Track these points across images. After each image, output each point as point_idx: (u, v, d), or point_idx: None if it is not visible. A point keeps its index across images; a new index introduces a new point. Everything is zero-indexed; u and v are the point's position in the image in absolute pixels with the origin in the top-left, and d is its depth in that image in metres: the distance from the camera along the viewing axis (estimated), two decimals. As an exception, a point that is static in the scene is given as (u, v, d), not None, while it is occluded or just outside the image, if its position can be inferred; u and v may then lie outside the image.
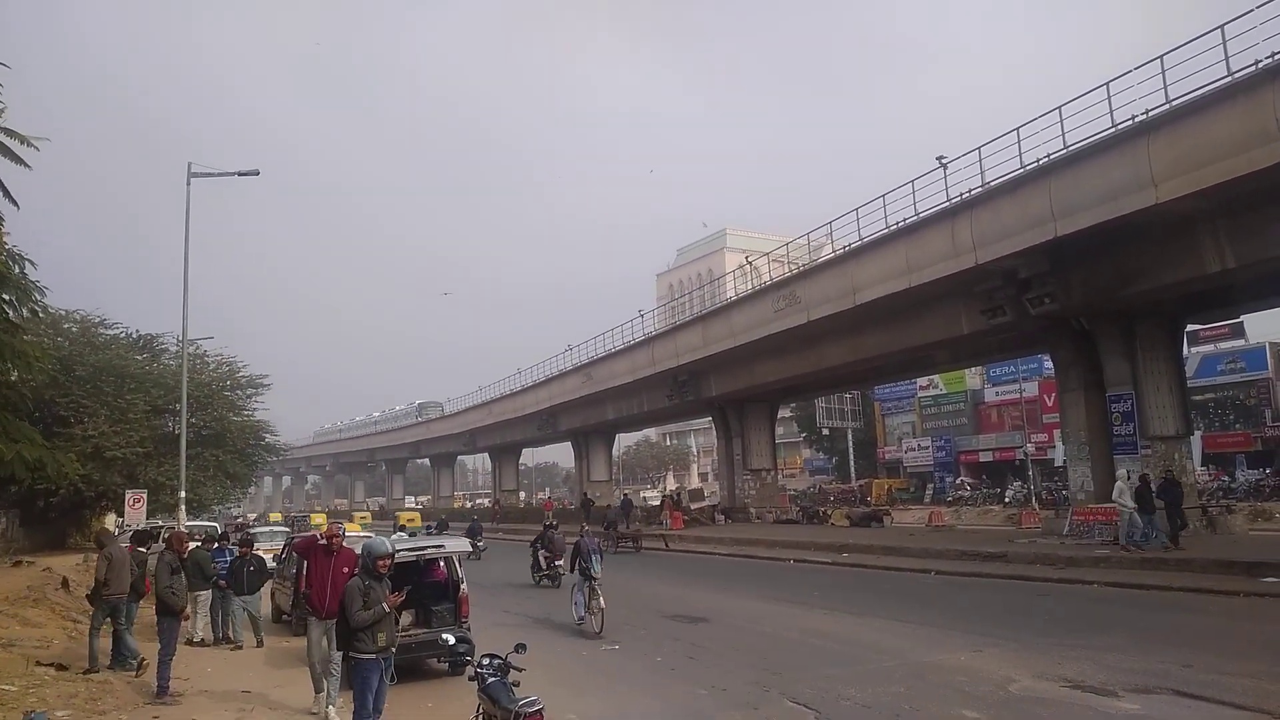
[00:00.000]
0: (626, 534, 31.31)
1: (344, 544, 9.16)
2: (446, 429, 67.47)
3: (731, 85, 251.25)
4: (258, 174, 20.13)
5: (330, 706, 8.74)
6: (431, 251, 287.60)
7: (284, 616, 15.37)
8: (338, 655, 8.78)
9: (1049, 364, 36.90)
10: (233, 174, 20.13)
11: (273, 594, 16.21)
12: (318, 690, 8.84)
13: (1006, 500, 40.46)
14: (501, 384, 57.21)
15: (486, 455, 73.45)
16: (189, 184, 19.62)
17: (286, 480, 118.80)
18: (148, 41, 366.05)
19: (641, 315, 40.06)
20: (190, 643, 12.91)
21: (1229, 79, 15.28)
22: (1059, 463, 37.78)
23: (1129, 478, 19.82)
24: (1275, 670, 9.21)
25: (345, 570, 8.84)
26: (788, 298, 28.01)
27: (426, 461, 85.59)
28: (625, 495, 44.64)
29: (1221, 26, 15.47)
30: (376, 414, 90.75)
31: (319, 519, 53.10)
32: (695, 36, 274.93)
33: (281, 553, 17.44)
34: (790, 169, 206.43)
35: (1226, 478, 35.12)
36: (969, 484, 46.92)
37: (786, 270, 30.54)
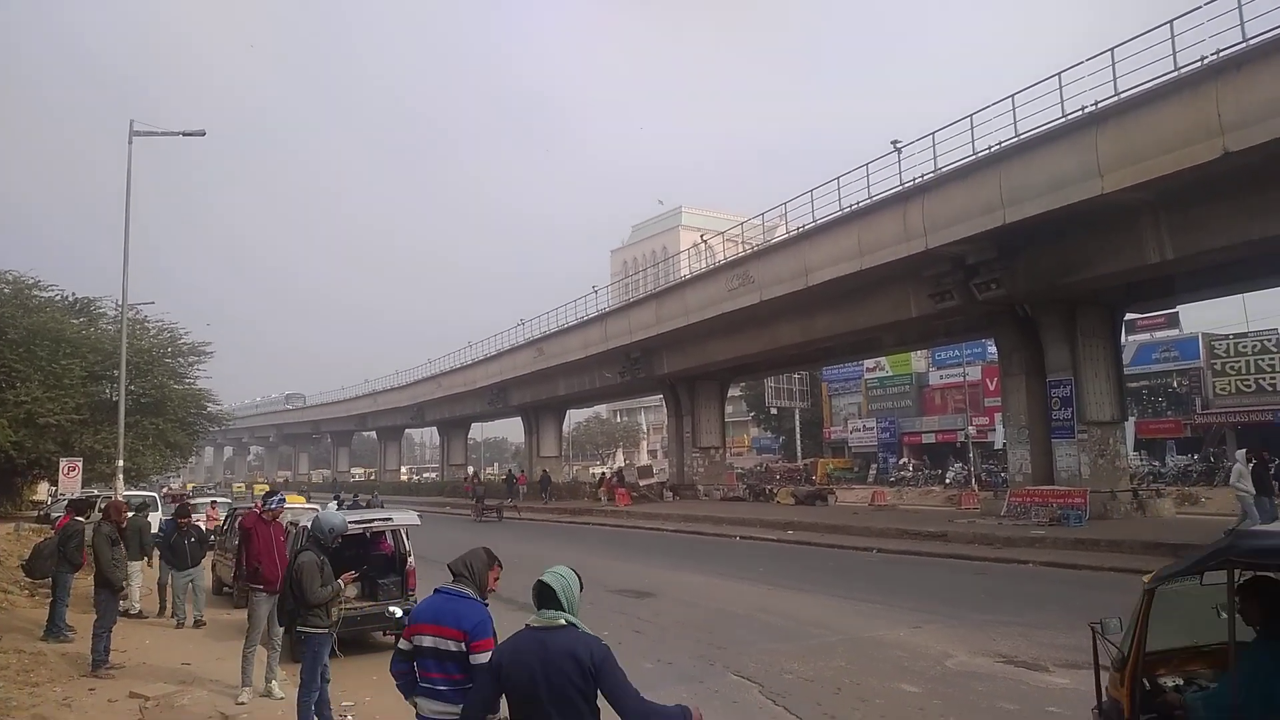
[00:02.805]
0: (491, 506, 36.91)
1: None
2: (394, 401, 66.66)
3: (700, 64, 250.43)
4: (203, 134, 19.49)
5: (274, 681, 8.63)
6: (395, 230, 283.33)
7: (224, 589, 15.13)
8: (279, 629, 8.73)
9: (992, 349, 37.70)
10: (177, 134, 19.50)
11: (214, 566, 15.94)
12: (247, 682, 8.62)
13: (947, 481, 41.39)
14: (452, 357, 56.74)
15: (435, 429, 72.78)
16: (130, 143, 18.96)
17: (229, 451, 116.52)
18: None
19: (595, 291, 39.98)
20: (128, 614, 12.63)
21: (1175, 74, 15.63)
22: (999, 445, 38.71)
23: (1246, 460, 17.00)
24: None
25: (281, 540, 8.87)
26: (741, 277, 28.14)
27: (373, 434, 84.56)
28: (545, 472, 47.03)
29: (1170, 22, 15.81)
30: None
31: (240, 488, 52.49)
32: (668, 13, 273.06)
33: (223, 524, 17.13)
34: (751, 150, 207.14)
35: (1157, 463, 36.36)
36: (911, 465, 47.87)
37: (741, 250, 30.68)
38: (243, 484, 70.22)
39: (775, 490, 37.44)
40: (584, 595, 5.35)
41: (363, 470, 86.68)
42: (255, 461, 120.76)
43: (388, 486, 68.58)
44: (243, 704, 8.32)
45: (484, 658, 3.73)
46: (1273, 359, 36.23)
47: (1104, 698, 4.62)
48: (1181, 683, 4.26)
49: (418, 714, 3.98)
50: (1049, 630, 10.43)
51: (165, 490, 32.30)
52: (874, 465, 50.55)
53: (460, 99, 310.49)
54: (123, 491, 19.33)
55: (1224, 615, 3.76)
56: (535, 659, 3.26)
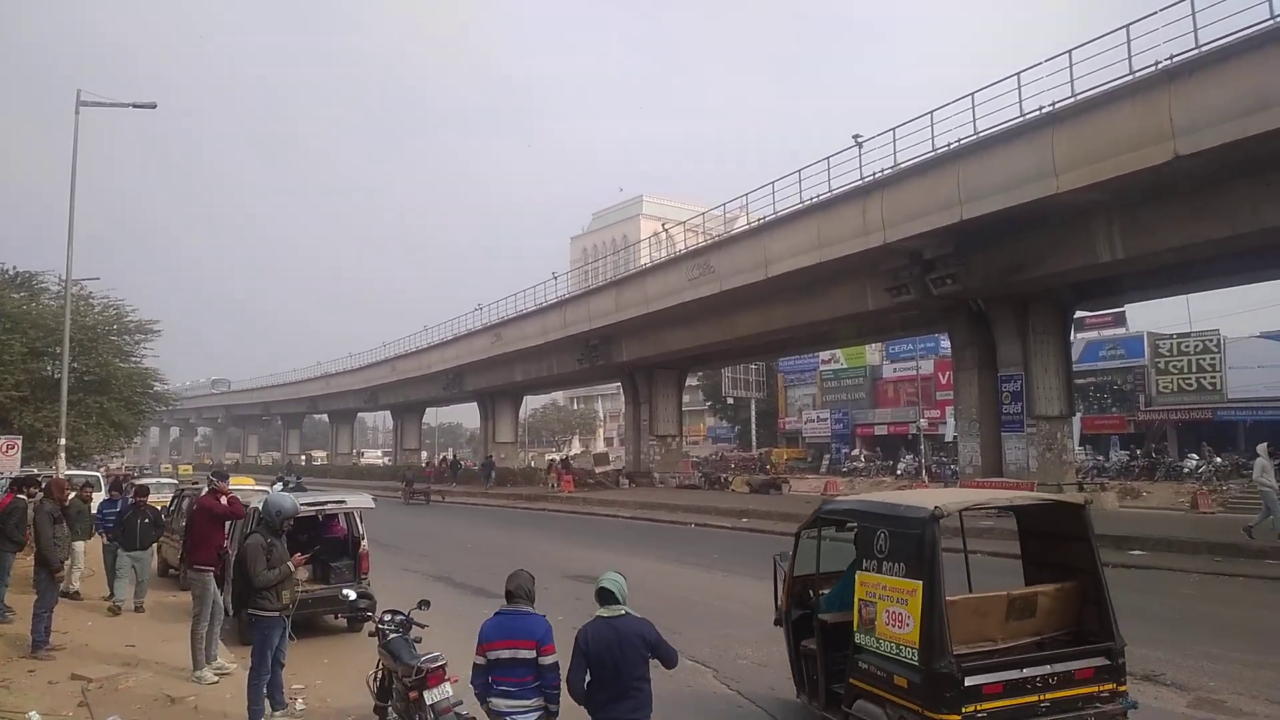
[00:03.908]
0: (418, 489, 39.31)
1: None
2: (347, 384, 65.69)
3: (668, 55, 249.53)
4: (154, 107, 18.92)
5: (212, 663, 8.50)
6: (367, 199, 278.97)
7: (170, 570, 14.82)
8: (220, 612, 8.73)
9: (945, 344, 38.34)
10: (126, 105, 18.87)
11: (159, 547, 15.61)
12: (200, 665, 8.49)
13: (899, 473, 42.01)
14: (407, 341, 56.01)
15: (389, 413, 71.92)
16: (77, 113, 18.33)
17: (175, 431, 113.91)
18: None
19: (555, 278, 39.78)
20: (66, 595, 12.30)
21: (1130, 78, 15.97)
22: (949, 438, 39.47)
23: (1270, 454, 16.71)
24: (1143, 635, 9.86)
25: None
26: (701, 267, 28.19)
27: (325, 417, 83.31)
28: (489, 457, 48.41)
29: (1127, 26, 16.15)
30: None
31: (166, 469, 51.49)
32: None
33: (170, 504, 16.77)
34: (713, 142, 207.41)
35: (1101, 457, 37.31)
36: (864, 456, 48.51)
37: (701, 240, 30.72)
38: (169, 465, 68.56)
39: (730, 479, 37.70)
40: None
41: (323, 454, 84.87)
42: (203, 443, 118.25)
43: (339, 470, 67.73)
44: (212, 681, 8.25)
45: (552, 659, 4.98)
46: (1213, 359, 37.36)
47: (777, 605, 7.70)
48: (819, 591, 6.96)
49: (490, 710, 5.01)
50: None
51: (105, 470, 31.39)
52: (827, 456, 51.13)
53: (434, 77, 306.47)
54: (64, 471, 18.77)
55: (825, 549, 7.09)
56: (613, 638, 4.79)
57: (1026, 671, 5.41)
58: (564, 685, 4.95)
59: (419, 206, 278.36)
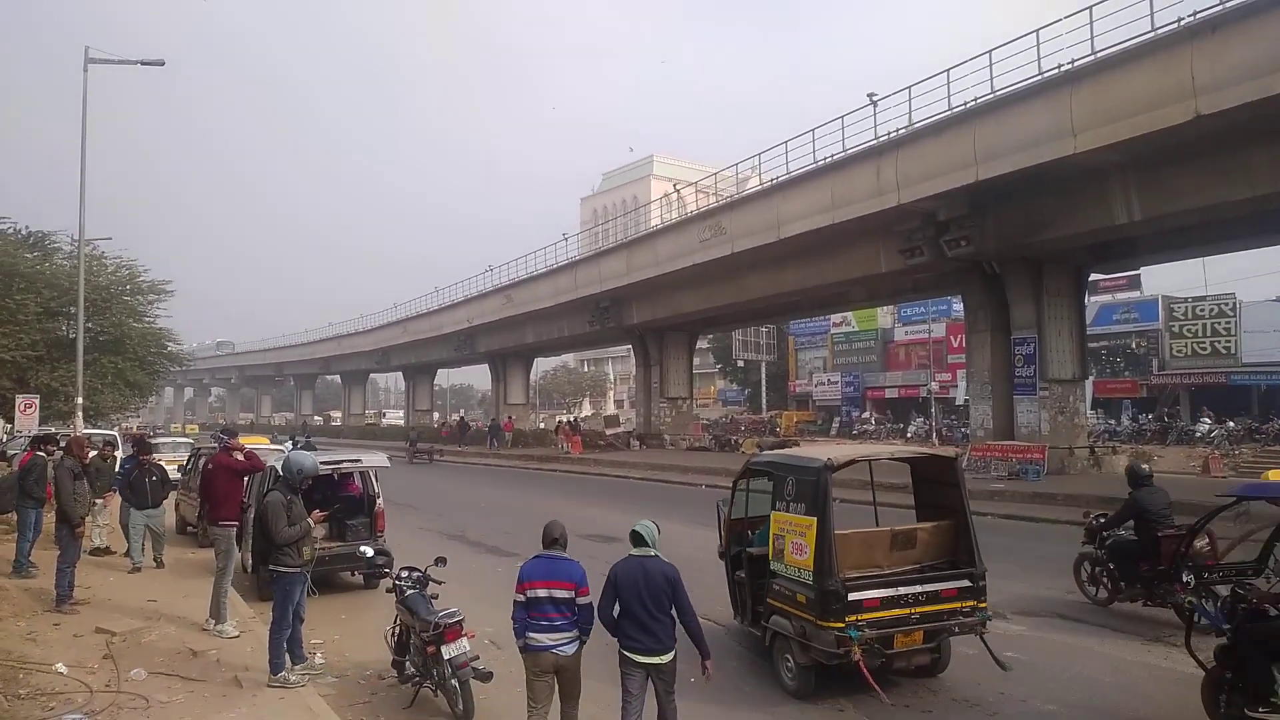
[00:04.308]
0: (421, 449, 40.73)
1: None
2: (359, 345, 65.93)
3: (681, 13, 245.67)
4: (163, 64, 18.79)
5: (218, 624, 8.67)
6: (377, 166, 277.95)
7: (189, 528, 15.05)
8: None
9: (957, 306, 38.18)
10: (135, 62, 18.76)
11: (177, 505, 15.83)
12: (222, 619, 8.66)
13: (909, 435, 42.06)
14: (418, 302, 56.10)
15: (400, 375, 72.23)
16: (86, 70, 18.23)
17: (189, 392, 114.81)
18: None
19: (566, 239, 39.63)
20: (94, 551, 12.52)
21: (1152, 35, 15.64)
22: (960, 401, 39.42)
23: None
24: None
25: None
26: (713, 228, 28.02)
27: (337, 378, 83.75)
28: (494, 419, 50.23)
29: (1150, -19, 15.78)
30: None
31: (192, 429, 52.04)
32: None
33: (186, 463, 16.98)
34: (725, 102, 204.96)
35: (1114, 421, 37.26)
36: (874, 418, 48.55)
37: (712, 201, 30.49)
38: (179, 425, 69.10)
39: (740, 441, 37.82)
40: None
41: (340, 414, 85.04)
42: (217, 403, 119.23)
43: (352, 430, 68.28)
44: (234, 635, 8.42)
45: (588, 599, 5.48)
46: (1228, 323, 37.07)
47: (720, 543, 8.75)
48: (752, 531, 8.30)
49: (528, 645, 5.46)
50: (1006, 580, 10.66)
51: (122, 429, 31.72)
52: (837, 418, 51.18)
53: (441, 42, 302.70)
54: (83, 429, 18.98)
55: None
56: (640, 575, 5.37)
57: (901, 590, 6.82)
58: (595, 616, 5.52)
59: (430, 170, 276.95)
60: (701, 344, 50.08)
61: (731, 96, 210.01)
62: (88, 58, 18.18)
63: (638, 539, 5.53)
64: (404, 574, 7.36)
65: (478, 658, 6.63)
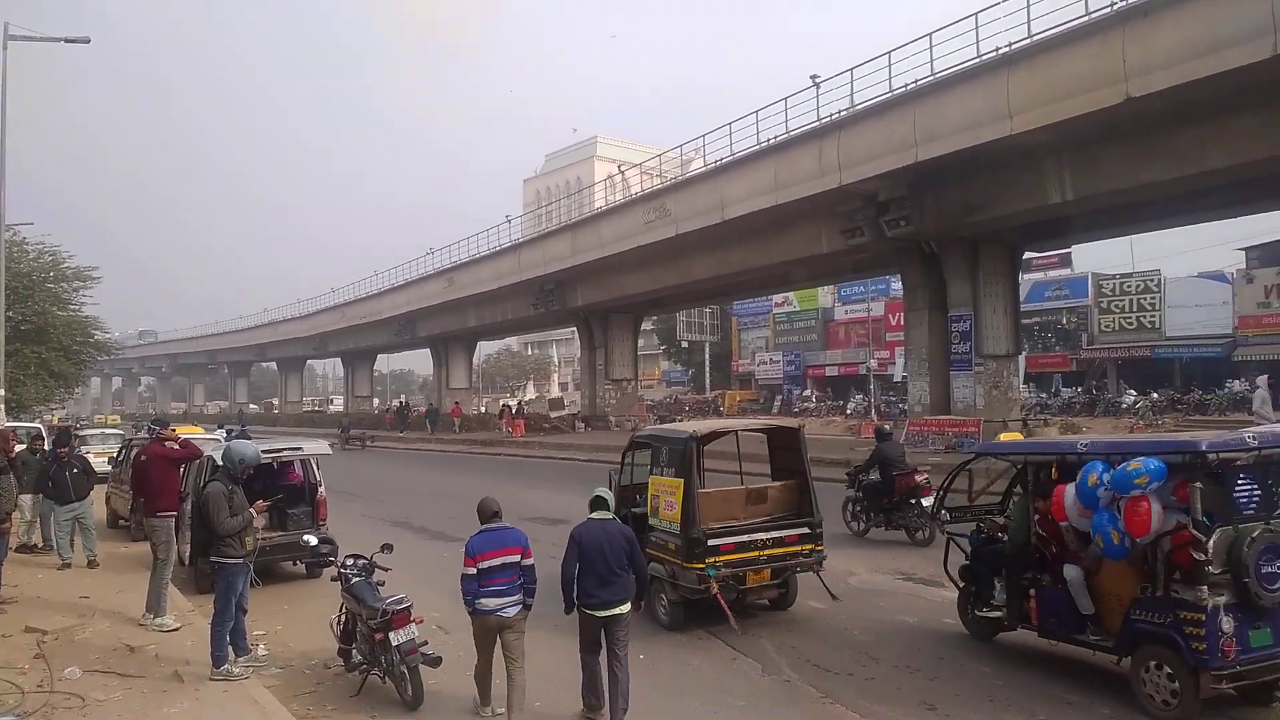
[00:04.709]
0: (354, 436, 40.74)
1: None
2: (295, 331, 64.44)
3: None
4: (88, 41, 17.92)
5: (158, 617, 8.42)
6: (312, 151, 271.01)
7: (121, 522, 14.58)
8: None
9: (896, 285, 38.78)
10: (58, 39, 17.89)
11: (108, 498, 15.32)
12: (162, 612, 8.41)
13: (848, 412, 42.69)
14: (356, 286, 54.98)
15: (339, 361, 70.89)
16: (5, 48, 17.30)
17: (117, 381, 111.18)
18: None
19: (509, 221, 39.21)
20: (21, 548, 12.02)
21: (1086, 18, 15.99)
22: (898, 378, 40.14)
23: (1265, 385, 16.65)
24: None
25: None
26: (658, 210, 27.97)
27: (273, 365, 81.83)
28: (431, 404, 51.15)
29: (1084, -35, 16.11)
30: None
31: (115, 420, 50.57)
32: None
33: (118, 455, 16.42)
34: (669, 85, 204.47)
35: (1045, 395, 38.35)
36: (814, 396, 49.19)
37: (656, 183, 30.43)
38: (103, 416, 66.71)
39: (685, 420, 38.02)
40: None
41: (278, 401, 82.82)
42: (147, 393, 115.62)
43: (290, 418, 66.89)
44: (174, 628, 8.21)
45: (531, 561, 6.11)
46: (1153, 298, 38.41)
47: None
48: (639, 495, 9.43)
49: (477, 610, 5.95)
50: (941, 549, 10.92)
51: (46, 422, 30.49)
52: (779, 397, 51.73)
53: (374, 22, 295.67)
54: (4, 423, 18.19)
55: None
56: (602, 536, 6.06)
57: (751, 536, 8.32)
58: (560, 575, 6.16)
59: (368, 151, 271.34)
60: (646, 325, 50.10)
61: (679, 80, 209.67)
62: (6, 34, 17.26)
63: (599, 504, 6.25)
64: (350, 562, 7.22)
65: (426, 643, 6.56)
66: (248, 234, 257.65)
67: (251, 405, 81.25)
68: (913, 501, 12.26)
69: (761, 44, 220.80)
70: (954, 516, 8.25)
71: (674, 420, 38.40)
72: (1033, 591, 6.94)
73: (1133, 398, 34.07)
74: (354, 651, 6.86)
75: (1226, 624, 5.64)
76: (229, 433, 26.96)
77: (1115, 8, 15.46)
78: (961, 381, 22.97)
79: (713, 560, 7.90)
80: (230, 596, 6.87)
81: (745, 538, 8.27)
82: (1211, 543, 5.70)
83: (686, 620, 8.30)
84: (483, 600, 5.92)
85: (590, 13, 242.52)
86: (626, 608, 6.03)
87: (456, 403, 48.95)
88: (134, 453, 12.52)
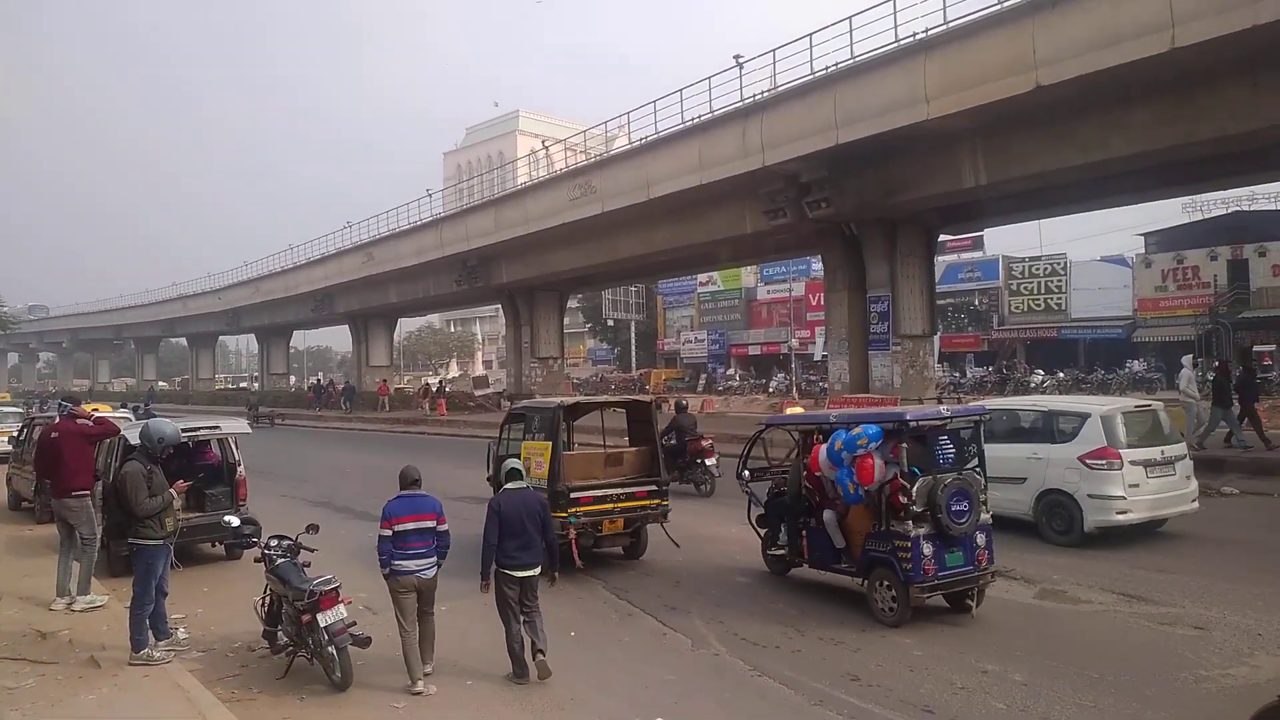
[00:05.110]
0: (263, 414, 39.99)
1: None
2: (206, 306, 62.11)
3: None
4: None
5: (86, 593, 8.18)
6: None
7: (24, 504, 13.99)
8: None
9: (816, 266, 39.57)
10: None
11: (9, 479, 14.67)
12: (86, 591, 8.20)
13: (771, 390, 43.48)
14: (271, 260, 53.17)
15: (253, 336, 68.68)
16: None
17: (14, 358, 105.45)
18: None
19: (430, 195, 38.46)
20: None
21: (999, 7, 16.50)
22: (818, 357, 41.09)
23: (1193, 367, 17.46)
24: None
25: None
26: (583, 187, 27.86)
27: (183, 341, 78.79)
28: (347, 382, 51.52)
29: (998, -45, 16.58)
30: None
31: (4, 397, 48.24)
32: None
33: (19, 434, 15.70)
34: (593, 58, 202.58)
35: (958, 374, 39.74)
36: (738, 375, 49.93)
37: (581, 160, 30.26)
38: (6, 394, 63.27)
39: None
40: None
41: (209, 379, 79.10)
42: (46, 369, 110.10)
43: (202, 396, 64.66)
44: (100, 604, 8.07)
45: (445, 527, 6.54)
46: (1060, 281, 40.10)
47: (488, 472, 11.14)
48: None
49: (394, 570, 6.31)
50: (1016, 551, 11.11)
51: None
52: (703, 375, 52.34)
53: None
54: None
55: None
56: (520, 503, 6.60)
57: (606, 491, 9.77)
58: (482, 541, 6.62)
59: (271, 120, 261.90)
60: (572, 303, 49.94)
61: (603, 53, 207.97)
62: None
63: (514, 475, 6.82)
64: (274, 543, 7.12)
65: (355, 624, 6.53)
66: (160, 207, 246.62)
67: (160, 383, 78.03)
68: (699, 462, 15.05)
69: (689, 19, 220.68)
70: (755, 476, 9.72)
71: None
72: (804, 532, 8.69)
73: (1040, 377, 35.58)
74: (279, 633, 6.79)
75: (927, 549, 7.38)
76: (137, 411, 26.07)
77: (1027, -3, 15.99)
78: (880, 361, 23.62)
79: (573, 510, 9.30)
80: (150, 579, 6.70)
81: (602, 492, 9.70)
82: (915, 488, 7.47)
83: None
84: (399, 563, 6.31)
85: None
86: (539, 569, 6.58)
87: (384, 380, 48.03)
88: (40, 431, 12.02)
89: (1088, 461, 10.13)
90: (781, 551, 9.09)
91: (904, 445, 7.60)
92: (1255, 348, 24.27)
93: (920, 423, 7.86)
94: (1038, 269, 41.01)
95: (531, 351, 38.72)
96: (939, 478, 7.59)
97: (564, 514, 9.11)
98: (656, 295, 57.36)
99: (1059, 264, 40.57)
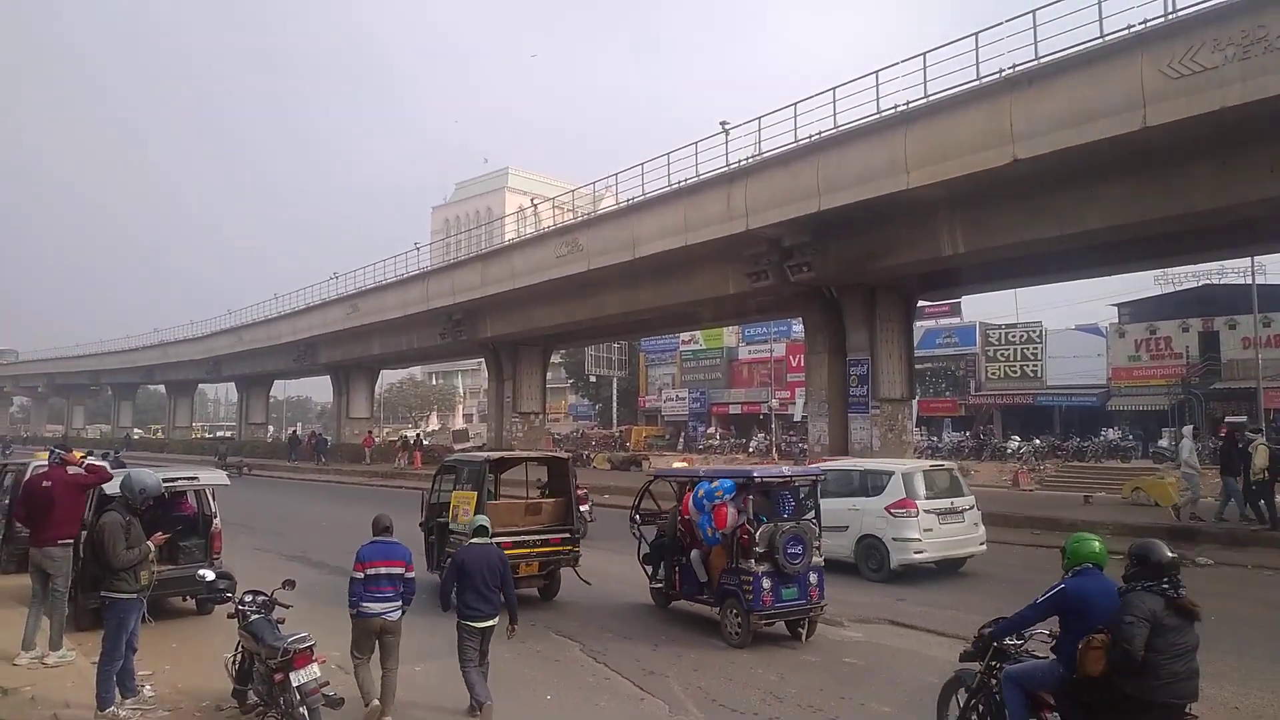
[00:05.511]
0: (231, 463, 39.28)
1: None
2: (188, 354, 61.66)
3: (546, 29, 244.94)
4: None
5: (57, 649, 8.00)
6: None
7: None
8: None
9: (797, 328, 39.98)
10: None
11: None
12: (58, 646, 8.03)
13: (750, 450, 43.53)
14: (255, 309, 53.01)
15: (233, 385, 68.11)
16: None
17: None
18: None
19: (418, 248, 38.68)
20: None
21: (977, 83, 17.03)
22: (798, 418, 41.27)
23: (1194, 436, 17.12)
24: (968, 601, 10.77)
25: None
26: (570, 244, 28.15)
27: (162, 388, 77.99)
28: (317, 433, 52.79)
29: (976, 34, 17.17)
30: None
31: None
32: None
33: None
34: (581, 121, 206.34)
35: (935, 438, 39.97)
36: (719, 433, 50.01)
37: (567, 217, 30.65)
38: None
39: (592, 456, 38.05)
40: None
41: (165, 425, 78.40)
42: (19, 414, 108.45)
43: (178, 445, 63.84)
44: (54, 664, 7.84)
45: (412, 574, 6.90)
46: (1036, 348, 40.70)
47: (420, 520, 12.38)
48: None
49: (361, 612, 6.67)
50: (841, 588, 11.32)
51: None
52: (684, 433, 52.38)
53: (285, 43, 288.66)
54: None
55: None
56: (482, 558, 6.98)
57: (525, 537, 10.84)
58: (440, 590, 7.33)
59: (266, 170, 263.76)
60: (554, 359, 50.07)
61: (591, 117, 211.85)
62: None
63: (481, 531, 7.24)
64: (248, 598, 7.03)
65: (328, 683, 6.43)
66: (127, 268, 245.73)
67: (136, 430, 77.04)
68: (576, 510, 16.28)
69: (673, 85, 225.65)
70: (644, 520, 11.24)
71: (582, 456, 38.57)
72: (677, 569, 10.19)
73: (1016, 443, 35.85)
74: (250, 692, 6.67)
75: (766, 584, 8.91)
76: (106, 458, 25.56)
77: (1004, 74, 16.53)
78: (859, 423, 23.76)
79: None
80: (121, 634, 6.58)
81: (520, 538, 10.68)
82: (759, 533, 9.05)
83: None
84: (366, 604, 6.64)
85: (507, 42, 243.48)
86: (497, 619, 6.99)
87: (369, 432, 47.62)
88: (31, 478, 11.84)
89: (892, 510, 12.47)
90: (660, 585, 10.51)
91: (751, 497, 9.34)
92: (1228, 419, 24.72)
93: (765, 479, 9.58)
94: (1014, 336, 41.63)
95: (513, 406, 38.63)
96: (779, 525, 9.10)
97: None
98: (639, 352, 57.66)
99: (1035, 332, 41.21)
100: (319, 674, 6.24)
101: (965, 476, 29.68)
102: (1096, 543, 5.22)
